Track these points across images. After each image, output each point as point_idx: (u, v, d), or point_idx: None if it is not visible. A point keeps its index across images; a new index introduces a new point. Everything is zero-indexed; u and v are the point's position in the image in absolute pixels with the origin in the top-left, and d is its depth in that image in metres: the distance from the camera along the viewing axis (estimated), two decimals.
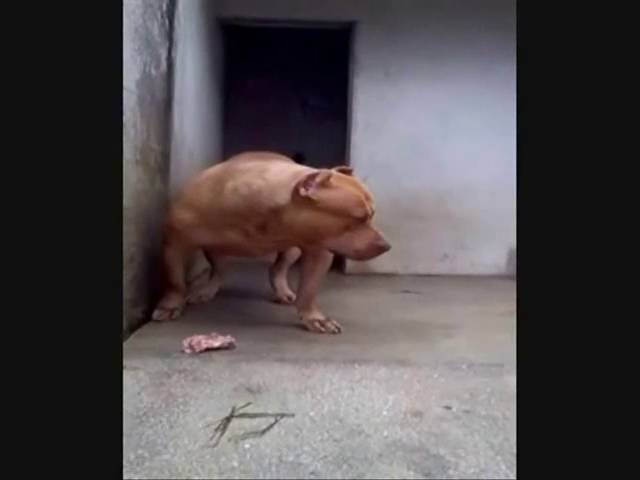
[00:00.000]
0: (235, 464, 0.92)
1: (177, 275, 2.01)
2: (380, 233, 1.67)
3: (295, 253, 2.34)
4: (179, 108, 2.45)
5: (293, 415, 1.12)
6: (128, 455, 0.93)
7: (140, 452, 0.95)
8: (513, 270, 3.44)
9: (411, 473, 0.91)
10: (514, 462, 0.95)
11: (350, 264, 3.60)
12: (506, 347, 1.52)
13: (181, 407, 1.15)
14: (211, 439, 1.01)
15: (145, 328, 1.83)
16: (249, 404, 1.17)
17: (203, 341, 1.53)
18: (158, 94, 2.05)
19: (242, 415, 1.12)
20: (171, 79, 2.25)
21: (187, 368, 1.39)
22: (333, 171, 1.69)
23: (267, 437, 1.02)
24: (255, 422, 1.08)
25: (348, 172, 1.79)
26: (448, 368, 1.45)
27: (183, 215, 1.86)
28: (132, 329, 1.77)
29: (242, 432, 1.04)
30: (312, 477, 0.89)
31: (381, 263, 2.90)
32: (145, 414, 1.11)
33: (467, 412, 1.17)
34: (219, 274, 2.51)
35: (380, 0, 3.65)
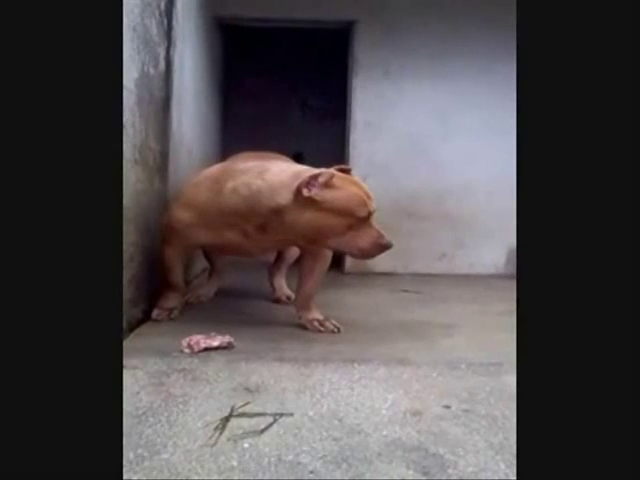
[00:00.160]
0: (234, 463, 0.92)
1: (176, 275, 2.01)
2: (382, 231, 1.68)
3: (294, 253, 2.34)
4: (177, 107, 2.45)
5: (292, 414, 1.12)
6: (127, 454, 0.93)
7: (139, 451, 0.95)
8: (512, 269, 3.44)
9: (410, 472, 0.91)
10: (513, 461, 0.95)
11: (349, 263, 3.61)
12: (505, 346, 1.53)
13: (180, 406, 1.15)
14: (210, 438, 1.01)
15: (144, 327, 1.83)
16: (248, 403, 1.17)
17: (202, 341, 1.53)
18: (156, 93, 2.05)
19: (241, 414, 1.11)
20: (169, 78, 2.24)
21: (186, 368, 1.38)
22: (335, 171, 1.69)
23: (266, 436, 1.02)
24: (254, 421, 1.08)
25: (347, 171, 1.79)
26: (447, 367, 1.45)
27: (182, 215, 1.85)
28: (131, 328, 1.77)
29: (241, 431, 1.04)
30: (311, 476, 0.88)
31: (380, 262, 2.90)
32: (144, 413, 1.11)
33: (466, 411, 1.17)
34: (218, 274, 2.51)
35: None
